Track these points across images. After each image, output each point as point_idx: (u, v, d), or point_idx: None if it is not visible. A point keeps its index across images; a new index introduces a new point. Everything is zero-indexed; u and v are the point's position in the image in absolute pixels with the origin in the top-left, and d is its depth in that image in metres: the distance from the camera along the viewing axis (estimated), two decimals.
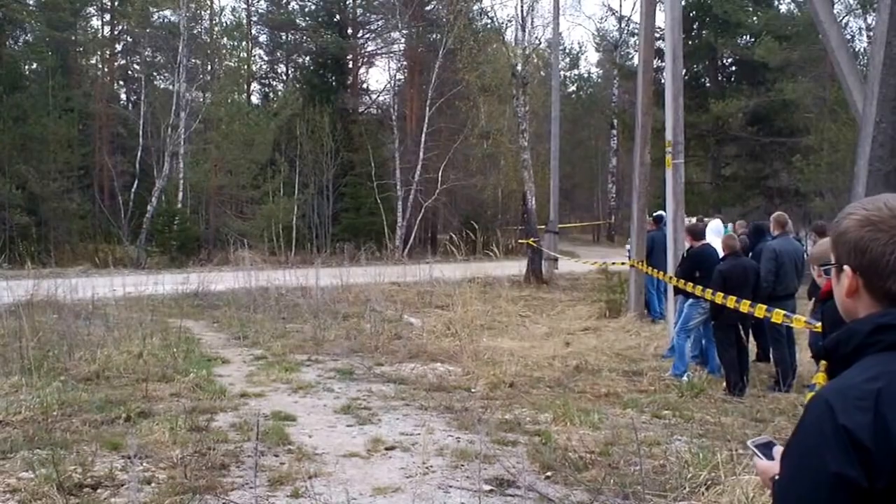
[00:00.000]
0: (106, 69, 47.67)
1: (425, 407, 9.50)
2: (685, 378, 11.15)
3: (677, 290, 12.60)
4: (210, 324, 16.72)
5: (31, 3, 42.51)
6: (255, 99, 49.70)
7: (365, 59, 49.73)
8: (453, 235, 28.36)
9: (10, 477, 6.69)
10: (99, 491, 6.50)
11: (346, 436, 8.31)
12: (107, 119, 42.99)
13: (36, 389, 9.49)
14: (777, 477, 1.98)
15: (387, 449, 7.82)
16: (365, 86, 51.58)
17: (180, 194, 36.81)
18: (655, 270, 15.46)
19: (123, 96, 50.00)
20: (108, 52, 47.31)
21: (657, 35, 21.35)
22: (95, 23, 47.52)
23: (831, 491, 1.74)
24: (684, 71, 18.71)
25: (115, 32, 47.04)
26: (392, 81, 47.01)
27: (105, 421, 8.50)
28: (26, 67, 41.05)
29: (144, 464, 7.05)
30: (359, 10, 48.65)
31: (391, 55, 48.50)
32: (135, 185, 39.06)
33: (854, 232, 1.94)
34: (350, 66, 48.54)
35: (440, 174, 39.98)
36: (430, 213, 41.55)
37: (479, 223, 37.04)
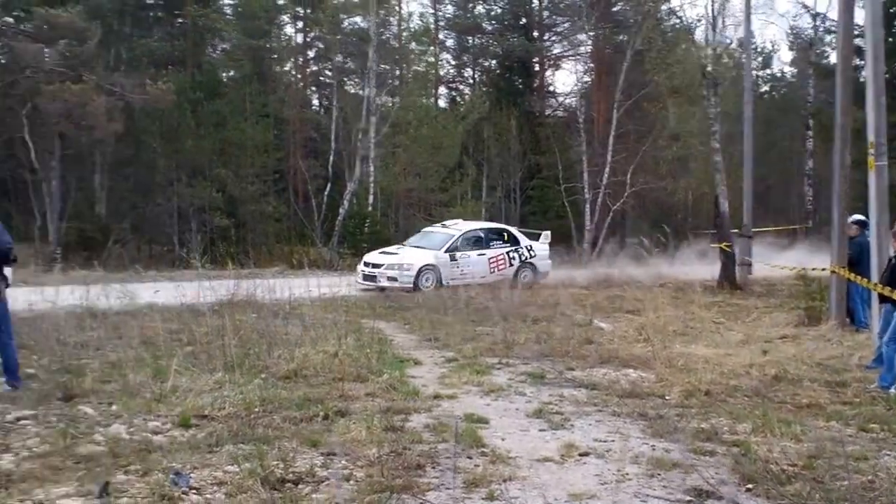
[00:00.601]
0: (299, 75, 49.11)
1: (618, 413, 9.34)
2: (893, 390, 10.62)
3: (882, 299, 11.99)
4: (401, 325, 16.95)
5: (228, 12, 44.36)
6: (442, 103, 50.33)
7: (551, 62, 49.70)
8: (643, 239, 27.92)
9: (216, 470, 6.91)
10: (300, 486, 6.64)
11: (539, 440, 8.24)
12: (300, 124, 44.17)
13: (238, 386, 9.77)
14: None
15: (581, 455, 7.69)
16: (551, 88, 51.61)
17: (370, 197, 37.54)
18: (859, 278, 14.73)
19: (316, 101, 51.39)
20: (300, 59, 48.76)
21: (855, 32, 20.43)
22: (289, 30, 49.16)
23: None
24: (885, 70, 17.75)
25: (308, 39, 48.31)
26: (579, 84, 46.60)
27: (304, 418, 8.68)
28: (224, 75, 42.93)
29: (343, 461, 7.18)
30: (545, 13, 48.75)
31: (578, 57, 47.95)
32: (327, 189, 40.17)
33: None
34: (536, 68, 48.65)
35: (628, 177, 39.44)
36: (619, 216, 41.13)
37: (668, 227, 36.36)
